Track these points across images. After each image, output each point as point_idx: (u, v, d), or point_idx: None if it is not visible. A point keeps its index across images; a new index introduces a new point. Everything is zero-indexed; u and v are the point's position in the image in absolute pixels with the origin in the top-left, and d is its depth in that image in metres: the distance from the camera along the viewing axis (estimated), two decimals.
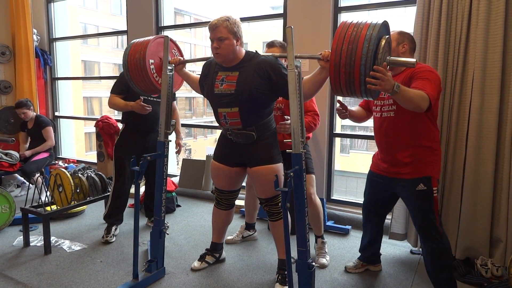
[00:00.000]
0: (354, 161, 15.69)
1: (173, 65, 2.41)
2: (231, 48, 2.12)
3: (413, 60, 1.81)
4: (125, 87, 2.96)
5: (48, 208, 2.98)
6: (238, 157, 2.36)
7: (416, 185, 2.11)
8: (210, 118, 20.37)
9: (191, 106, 22.55)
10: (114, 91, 3.03)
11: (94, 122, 4.59)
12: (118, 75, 3.19)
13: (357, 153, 16.19)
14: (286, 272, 2.29)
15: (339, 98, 2.24)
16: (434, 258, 2.12)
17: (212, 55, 2.22)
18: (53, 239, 3.02)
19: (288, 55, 1.83)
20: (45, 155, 4.18)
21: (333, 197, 3.64)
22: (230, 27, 2.09)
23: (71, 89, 5.97)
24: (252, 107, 2.19)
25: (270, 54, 2.25)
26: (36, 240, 3.04)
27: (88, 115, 17.19)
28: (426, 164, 2.11)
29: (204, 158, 4.32)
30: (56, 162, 4.31)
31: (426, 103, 1.87)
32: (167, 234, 2.50)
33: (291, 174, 1.76)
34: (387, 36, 1.79)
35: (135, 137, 3.07)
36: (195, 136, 21.57)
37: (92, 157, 5.56)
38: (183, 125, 4.33)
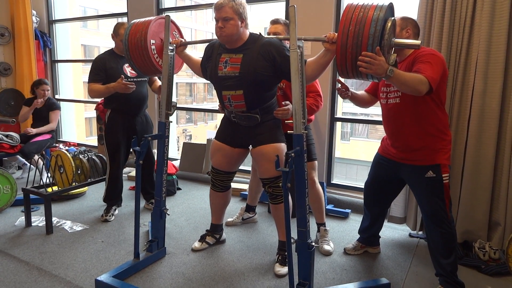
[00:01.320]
0: (354, 149, 15.69)
1: (174, 45, 2.39)
2: (235, 29, 2.11)
3: (418, 42, 1.81)
4: (102, 72, 2.92)
5: (49, 189, 3.00)
6: (241, 138, 2.37)
7: (425, 172, 2.08)
8: (210, 105, 20.30)
9: (192, 92, 22.45)
10: (92, 79, 2.92)
11: (94, 106, 4.58)
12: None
13: (358, 140, 16.18)
14: (286, 253, 2.32)
15: (340, 78, 2.21)
16: (440, 244, 2.08)
17: (216, 37, 2.20)
18: (54, 219, 3.04)
19: (291, 35, 1.81)
20: (47, 137, 4.18)
21: (333, 181, 3.65)
22: (235, 8, 2.08)
23: (71, 73, 5.94)
24: (256, 90, 2.19)
25: (274, 36, 2.22)
26: (38, 220, 3.06)
27: (88, 98, 17.15)
28: (435, 151, 2.08)
29: (205, 142, 4.32)
30: (57, 145, 4.31)
31: (425, 86, 1.83)
32: (168, 214, 2.52)
33: (292, 154, 1.76)
34: (392, 18, 1.79)
35: (123, 120, 3.04)
36: (195, 122, 21.54)
37: (93, 141, 5.56)
38: (184, 108, 4.32)
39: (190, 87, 22.10)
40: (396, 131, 2.20)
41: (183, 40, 2.45)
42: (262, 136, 2.28)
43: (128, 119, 3.07)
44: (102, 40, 18.73)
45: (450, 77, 2.63)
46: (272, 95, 2.29)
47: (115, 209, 3.22)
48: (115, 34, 3.00)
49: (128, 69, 3.00)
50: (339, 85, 2.28)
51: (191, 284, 2.21)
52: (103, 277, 2.14)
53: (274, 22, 2.57)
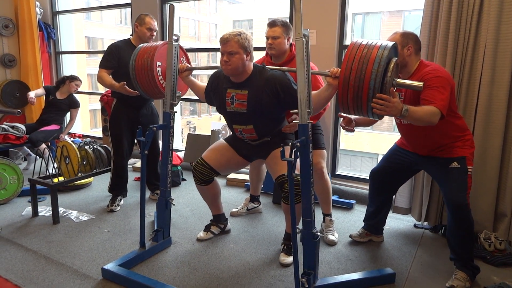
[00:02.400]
0: (358, 140, 15.63)
1: (178, 38, 2.36)
2: (240, 62, 2.15)
3: (420, 84, 1.84)
4: (115, 60, 2.94)
5: (55, 180, 3.02)
6: (248, 150, 2.46)
7: (450, 163, 2.11)
8: None
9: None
10: (103, 65, 2.97)
11: (99, 97, 4.59)
12: None
13: (362, 132, 16.10)
14: (291, 243, 2.32)
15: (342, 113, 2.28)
16: (462, 234, 2.09)
17: (220, 66, 2.22)
18: (60, 209, 3.06)
19: (296, 24, 1.79)
20: (55, 127, 4.22)
21: (338, 172, 3.65)
22: (241, 42, 2.12)
23: (76, 65, 5.94)
24: (265, 122, 2.29)
25: (277, 68, 2.25)
26: (44, 210, 3.09)
27: (93, 90, 17.20)
28: (458, 147, 2.12)
29: (209, 134, 4.32)
30: (62, 135, 4.34)
31: (437, 117, 1.88)
32: (173, 204, 2.53)
33: (297, 144, 1.76)
34: (396, 58, 1.83)
35: (128, 111, 3.05)
36: (199, 114, 21.53)
37: (98, 133, 5.58)
38: (188, 100, 4.31)
39: (194, 78, 22.07)
40: (414, 142, 2.25)
41: (188, 65, 2.49)
42: (272, 148, 2.35)
43: (133, 111, 3.07)
44: (106, 32, 18.70)
45: (458, 66, 2.60)
46: (282, 119, 2.36)
47: (120, 199, 3.24)
48: (140, 23, 3.00)
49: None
50: (342, 119, 2.34)
51: (197, 273, 2.22)
52: (109, 266, 2.16)
53: (272, 25, 2.51)
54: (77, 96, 4.47)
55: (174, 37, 2.34)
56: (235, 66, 2.14)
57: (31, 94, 4.17)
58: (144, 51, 2.54)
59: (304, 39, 1.80)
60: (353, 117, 2.36)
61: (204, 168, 2.43)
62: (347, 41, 3.37)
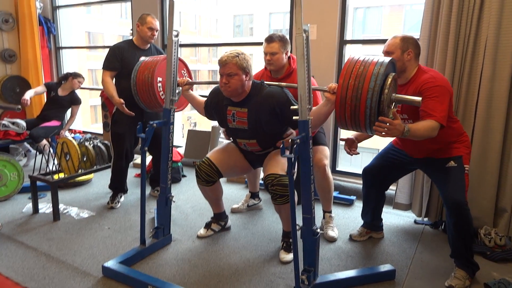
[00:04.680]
0: None
1: (178, 33, 2.35)
2: (240, 84, 2.17)
3: (419, 99, 1.86)
4: (117, 61, 2.94)
5: (56, 176, 3.02)
6: (253, 158, 2.51)
7: (447, 162, 2.12)
8: None
9: (196, 80, 22.35)
10: (107, 67, 2.96)
11: (99, 92, 4.58)
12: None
13: None
14: (291, 240, 2.32)
15: (343, 137, 2.34)
16: (460, 231, 2.08)
17: (220, 88, 2.25)
18: (61, 206, 3.07)
19: (296, 19, 1.77)
20: (56, 123, 4.21)
21: (338, 168, 3.64)
22: (239, 63, 2.13)
23: (76, 60, 5.92)
24: (268, 136, 2.31)
25: (276, 84, 2.28)
26: (45, 207, 3.09)
27: (93, 85, 17.19)
28: (454, 148, 2.14)
29: (210, 130, 4.31)
30: (62, 131, 4.33)
31: (437, 130, 1.91)
32: (174, 201, 2.53)
33: (297, 140, 1.75)
34: (393, 74, 1.83)
35: (131, 111, 3.00)
36: None
37: (98, 128, 5.57)
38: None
39: (194, 73, 22.02)
40: (410, 147, 2.24)
41: (189, 80, 2.51)
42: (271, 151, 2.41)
43: (136, 111, 3.02)
44: (107, 26, 18.63)
45: (459, 61, 2.59)
46: (284, 132, 2.36)
47: (121, 196, 3.24)
48: (141, 22, 2.97)
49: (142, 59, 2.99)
50: (344, 143, 2.38)
51: (197, 271, 2.23)
52: (110, 263, 2.17)
53: (269, 40, 2.52)
54: (78, 92, 4.45)
55: (174, 33, 2.33)
56: (234, 87, 2.16)
57: (27, 95, 4.06)
58: (144, 66, 2.58)
59: (304, 35, 1.78)
60: (353, 135, 2.38)
61: (210, 168, 2.42)
62: (348, 36, 3.35)
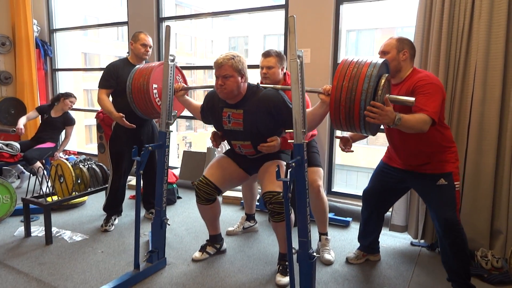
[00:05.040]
0: (354, 155, 15.66)
1: (174, 58, 2.38)
2: (235, 85, 2.19)
3: (412, 99, 1.87)
4: (113, 80, 2.96)
5: (49, 199, 2.98)
6: (247, 164, 2.50)
7: (437, 180, 2.10)
8: None
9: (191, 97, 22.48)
10: (103, 85, 2.98)
11: (95, 114, 4.58)
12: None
13: (358, 147, 16.12)
14: (287, 263, 2.30)
15: (338, 134, 2.31)
16: (454, 250, 2.08)
17: (216, 90, 2.25)
18: (54, 229, 3.02)
19: (290, 45, 1.81)
20: (50, 145, 4.19)
21: (334, 190, 3.64)
22: (235, 65, 2.15)
23: (72, 81, 5.96)
24: (263, 139, 2.30)
25: (271, 86, 2.29)
26: (37, 230, 3.05)
27: (89, 107, 17.20)
28: (444, 161, 2.11)
29: (205, 150, 4.31)
30: (57, 153, 4.31)
31: (428, 125, 1.90)
32: (169, 224, 2.50)
33: (293, 164, 1.76)
34: (387, 75, 1.85)
35: (128, 130, 3.00)
36: (195, 129, 21.55)
37: (93, 149, 5.56)
38: (184, 117, 4.32)
39: (190, 94, 22.15)
40: (401, 149, 2.23)
41: (184, 85, 2.54)
42: (266, 158, 2.40)
43: (133, 129, 3.03)
44: (103, 48, 18.81)
45: (450, 85, 2.64)
46: (279, 134, 2.36)
47: (115, 219, 3.21)
48: (134, 40, 3.01)
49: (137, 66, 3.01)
50: (339, 141, 2.38)
51: None
52: None
53: (266, 55, 2.59)
54: (72, 113, 4.46)
55: (170, 57, 2.36)
56: (230, 89, 2.18)
57: (20, 123, 4.09)
58: (139, 74, 2.58)
59: (298, 60, 1.82)
60: (348, 134, 2.38)
61: (208, 187, 2.41)
62: (341, 58, 3.40)
